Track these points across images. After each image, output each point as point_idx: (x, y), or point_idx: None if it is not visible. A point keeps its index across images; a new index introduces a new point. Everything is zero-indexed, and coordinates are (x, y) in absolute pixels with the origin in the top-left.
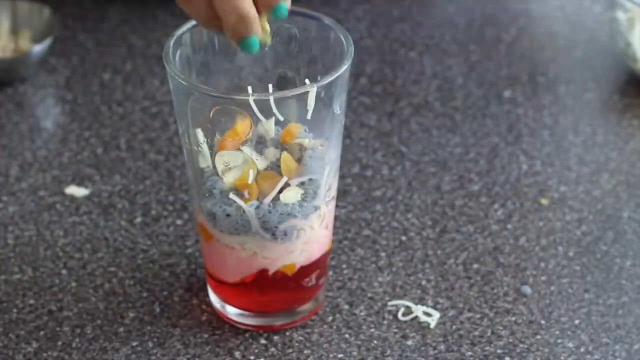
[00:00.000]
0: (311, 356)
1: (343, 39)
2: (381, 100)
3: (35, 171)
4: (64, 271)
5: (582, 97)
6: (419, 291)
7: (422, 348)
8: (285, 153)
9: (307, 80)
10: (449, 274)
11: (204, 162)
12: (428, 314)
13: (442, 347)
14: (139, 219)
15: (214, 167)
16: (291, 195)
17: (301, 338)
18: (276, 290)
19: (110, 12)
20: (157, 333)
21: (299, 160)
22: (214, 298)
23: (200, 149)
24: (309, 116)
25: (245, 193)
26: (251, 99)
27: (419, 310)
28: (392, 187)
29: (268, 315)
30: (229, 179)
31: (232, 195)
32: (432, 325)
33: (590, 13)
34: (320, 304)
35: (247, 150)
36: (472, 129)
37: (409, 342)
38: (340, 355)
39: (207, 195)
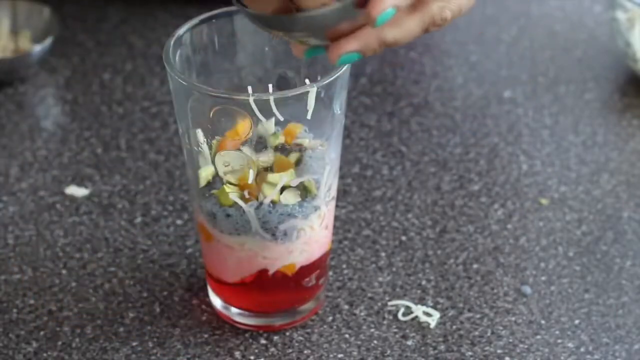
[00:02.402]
0: (311, 356)
1: None
2: (381, 100)
3: (35, 171)
4: (64, 271)
5: (582, 97)
6: (419, 291)
7: (422, 348)
8: (278, 154)
9: (307, 80)
10: (449, 274)
11: (204, 162)
12: (428, 314)
13: (442, 347)
14: (139, 219)
15: (214, 167)
16: (291, 196)
17: (301, 338)
18: (276, 290)
19: (110, 12)
20: (157, 333)
21: (299, 160)
22: (214, 298)
23: (200, 149)
24: (309, 116)
25: (245, 193)
26: (251, 99)
27: (419, 310)
28: (392, 187)
29: (268, 315)
30: (229, 179)
31: (232, 195)
32: (432, 325)
33: (590, 13)
34: (320, 304)
35: (247, 150)
36: (472, 129)
37: (409, 342)
38: (340, 355)
39: (207, 195)
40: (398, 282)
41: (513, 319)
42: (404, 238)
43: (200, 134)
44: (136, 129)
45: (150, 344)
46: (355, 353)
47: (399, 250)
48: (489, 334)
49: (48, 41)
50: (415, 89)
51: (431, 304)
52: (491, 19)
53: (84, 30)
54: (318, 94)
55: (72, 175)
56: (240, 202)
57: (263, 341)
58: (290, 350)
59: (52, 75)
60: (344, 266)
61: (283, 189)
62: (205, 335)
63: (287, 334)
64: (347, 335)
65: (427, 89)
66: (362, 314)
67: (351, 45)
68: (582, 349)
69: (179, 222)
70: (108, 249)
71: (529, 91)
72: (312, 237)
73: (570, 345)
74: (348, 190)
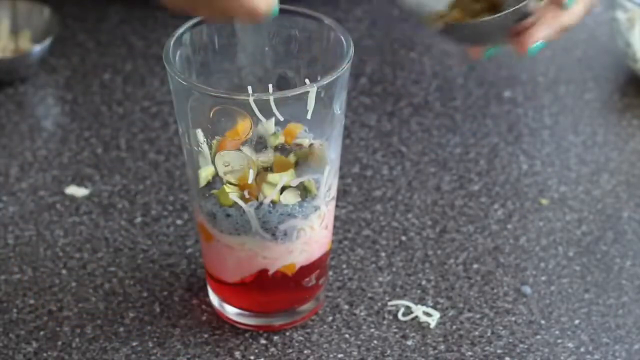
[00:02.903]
0: (311, 356)
1: (343, 39)
2: (381, 100)
3: (35, 171)
4: (64, 271)
5: (582, 97)
6: (419, 291)
7: (422, 348)
8: (277, 154)
9: (307, 80)
10: (449, 274)
11: (204, 162)
12: (428, 314)
13: (442, 347)
14: (139, 219)
15: (214, 167)
16: (291, 196)
17: (301, 338)
18: (276, 290)
19: (110, 12)
20: (157, 333)
21: (299, 160)
22: (213, 298)
23: (200, 149)
24: (309, 116)
25: (245, 193)
26: (251, 99)
27: (419, 310)
28: (392, 187)
29: (268, 315)
30: (229, 179)
31: (232, 195)
32: (432, 325)
33: (590, 13)
34: (320, 304)
35: (247, 150)
36: (472, 129)
37: (409, 342)
38: (340, 355)
39: (207, 195)
40: (398, 282)
41: (513, 319)
42: (404, 238)
43: (200, 134)
44: (136, 129)
45: (150, 344)
46: (355, 353)
47: (399, 250)
48: (489, 334)
49: (48, 41)
50: (415, 89)
51: (431, 304)
52: None
53: (84, 30)
54: (318, 94)
55: (72, 175)
56: (240, 202)
57: (263, 341)
58: (290, 350)
59: (52, 75)
60: (344, 266)
61: (283, 189)
62: (205, 335)
63: (287, 334)
64: (347, 335)
65: (427, 89)
66: (362, 314)
67: (538, 35)
68: (582, 349)
69: (179, 222)
70: (108, 249)
71: (529, 91)
72: (312, 237)
73: (570, 345)
74: (348, 190)
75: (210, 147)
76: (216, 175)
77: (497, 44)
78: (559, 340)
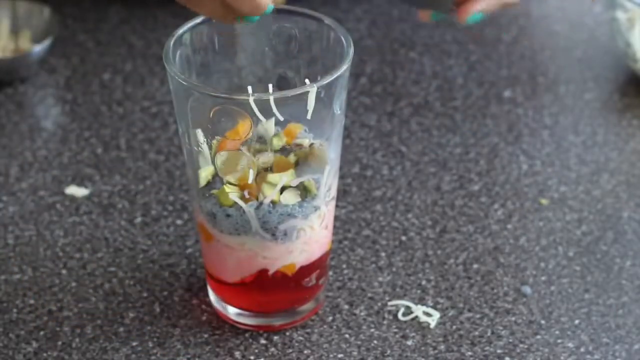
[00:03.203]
0: (311, 356)
1: (343, 39)
2: (381, 100)
3: (35, 171)
4: (64, 271)
5: (582, 97)
6: (419, 291)
7: (422, 348)
8: (277, 155)
9: (307, 80)
10: (449, 274)
11: (204, 162)
12: (428, 314)
13: (442, 347)
14: (139, 219)
15: (214, 167)
16: (291, 196)
17: (301, 338)
18: (276, 290)
19: (110, 12)
20: (157, 333)
21: (299, 160)
22: (214, 298)
23: (200, 149)
24: (309, 116)
25: (245, 193)
26: (251, 99)
27: (419, 310)
28: (392, 187)
29: (268, 315)
30: (229, 179)
31: (232, 195)
32: (432, 325)
33: (590, 13)
34: (320, 304)
35: (247, 150)
36: (472, 129)
37: (409, 342)
38: (340, 355)
39: (207, 195)
40: (398, 282)
41: (513, 319)
42: (404, 238)
43: (200, 134)
44: (136, 129)
45: (150, 344)
46: (355, 353)
47: (399, 250)
48: (489, 334)
49: (48, 41)
50: (415, 89)
51: (431, 304)
52: (491, 19)
53: (84, 30)
54: (318, 94)
55: (72, 175)
56: (240, 202)
57: (263, 341)
58: (290, 350)
59: (52, 75)
60: (344, 266)
61: (283, 189)
62: (205, 335)
63: (287, 334)
64: (347, 335)
65: (427, 89)
66: (362, 314)
67: (477, 7)
68: (582, 349)
69: (179, 222)
70: (108, 249)
71: (529, 91)
72: (312, 237)
73: (570, 345)
74: (348, 190)
75: (210, 147)
76: (216, 175)
77: (442, 10)
78: (559, 340)
